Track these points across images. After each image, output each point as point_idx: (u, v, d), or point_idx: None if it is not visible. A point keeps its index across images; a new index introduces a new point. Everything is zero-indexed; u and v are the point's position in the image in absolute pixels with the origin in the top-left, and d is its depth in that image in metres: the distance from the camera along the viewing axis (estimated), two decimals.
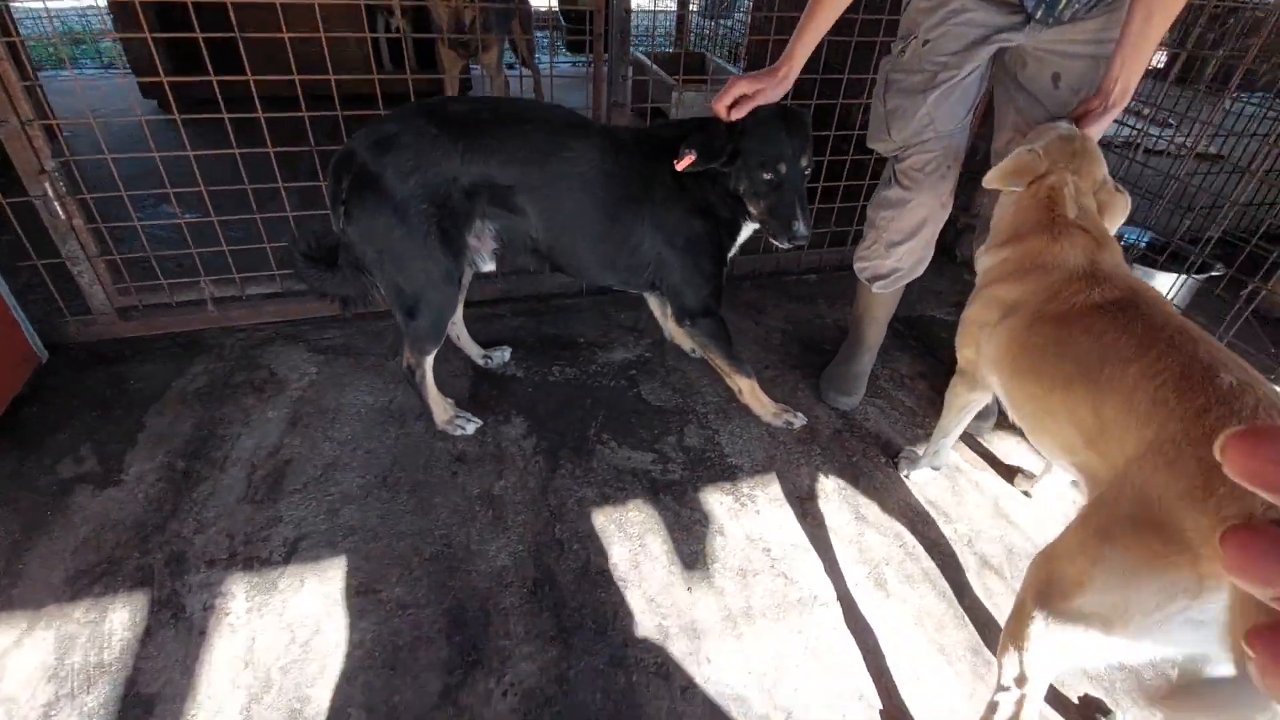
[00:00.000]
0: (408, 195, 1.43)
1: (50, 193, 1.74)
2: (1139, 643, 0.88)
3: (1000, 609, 1.45)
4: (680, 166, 1.50)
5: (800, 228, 1.53)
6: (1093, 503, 0.99)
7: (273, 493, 1.58)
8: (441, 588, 1.40)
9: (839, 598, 1.45)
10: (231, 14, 1.65)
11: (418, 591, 1.39)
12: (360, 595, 1.38)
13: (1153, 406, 0.91)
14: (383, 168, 1.42)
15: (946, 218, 1.71)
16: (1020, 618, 1.03)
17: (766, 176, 1.53)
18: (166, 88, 1.68)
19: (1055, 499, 1.72)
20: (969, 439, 1.90)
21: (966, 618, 1.43)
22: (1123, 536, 0.88)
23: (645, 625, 1.37)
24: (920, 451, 1.75)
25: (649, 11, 5.71)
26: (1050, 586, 0.98)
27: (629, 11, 2.10)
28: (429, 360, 1.68)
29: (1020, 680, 1.05)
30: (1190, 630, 0.83)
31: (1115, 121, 1.56)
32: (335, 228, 1.53)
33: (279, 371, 1.95)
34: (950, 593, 1.48)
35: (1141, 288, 1.14)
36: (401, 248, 1.47)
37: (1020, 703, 1.07)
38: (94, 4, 5.09)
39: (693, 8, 5.19)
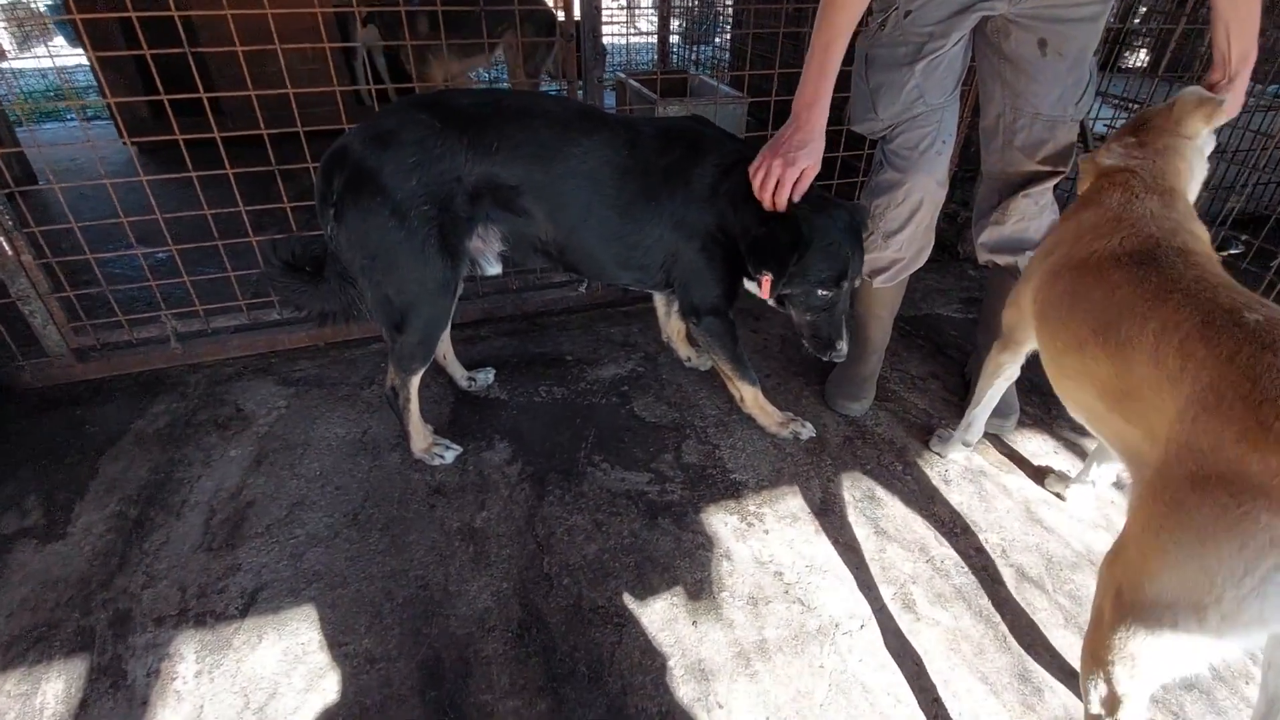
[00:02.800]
0: (408, 195, 1.32)
1: None
2: (1238, 624, 0.75)
3: (1045, 625, 1.29)
4: (765, 293, 1.47)
5: (843, 346, 1.56)
6: (1149, 478, 0.88)
7: (232, 539, 1.44)
8: (416, 636, 1.25)
9: (863, 625, 1.29)
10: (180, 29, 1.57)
11: (389, 642, 1.24)
12: (324, 650, 1.22)
13: (1182, 360, 0.86)
14: (381, 164, 1.31)
15: (943, 200, 1.59)
16: (1099, 629, 0.89)
17: (823, 293, 1.48)
18: (113, 108, 1.58)
19: (1092, 500, 1.56)
20: (992, 439, 1.75)
21: (1009, 639, 1.27)
22: (1185, 500, 0.79)
23: (646, 667, 1.21)
24: (953, 431, 1.67)
25: (637, 38, 5.73)
26: (1125, 581, 0.85)
27: (599, 35, 2.04)
28: (415, 381, 1.55)
29: (1112, 703, 0.89)
30: None
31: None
32: (325, 232, 1.41)
33: (245, 407, 1.82)
34: (988, 611, 1.32)
35: (1166, 236, 1.04)
36: (396, 253, 1.35)
37: None
38: (80, 62, 5.11)
39: (674, 38, 5.21)
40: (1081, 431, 1.73)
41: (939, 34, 1.39)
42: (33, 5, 4.84)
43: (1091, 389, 1.03)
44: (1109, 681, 0.88)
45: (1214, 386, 0.81)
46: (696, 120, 1.55)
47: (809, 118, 1.33)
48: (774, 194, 1.37)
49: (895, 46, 1.44)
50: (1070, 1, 1.35)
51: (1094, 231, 1.11)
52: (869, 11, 1.51)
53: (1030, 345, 1.34)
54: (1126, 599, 0.84)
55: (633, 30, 5.52)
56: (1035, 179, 1.57)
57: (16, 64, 5.46)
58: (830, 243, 1.42)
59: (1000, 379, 1.46)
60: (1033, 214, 1.61)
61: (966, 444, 1.64)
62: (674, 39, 5.17)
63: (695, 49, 5.15)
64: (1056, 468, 1.64)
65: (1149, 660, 0.83)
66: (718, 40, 5.35)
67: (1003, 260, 1.68)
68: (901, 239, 1.60)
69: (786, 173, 1.34)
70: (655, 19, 4.92)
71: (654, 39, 5.10)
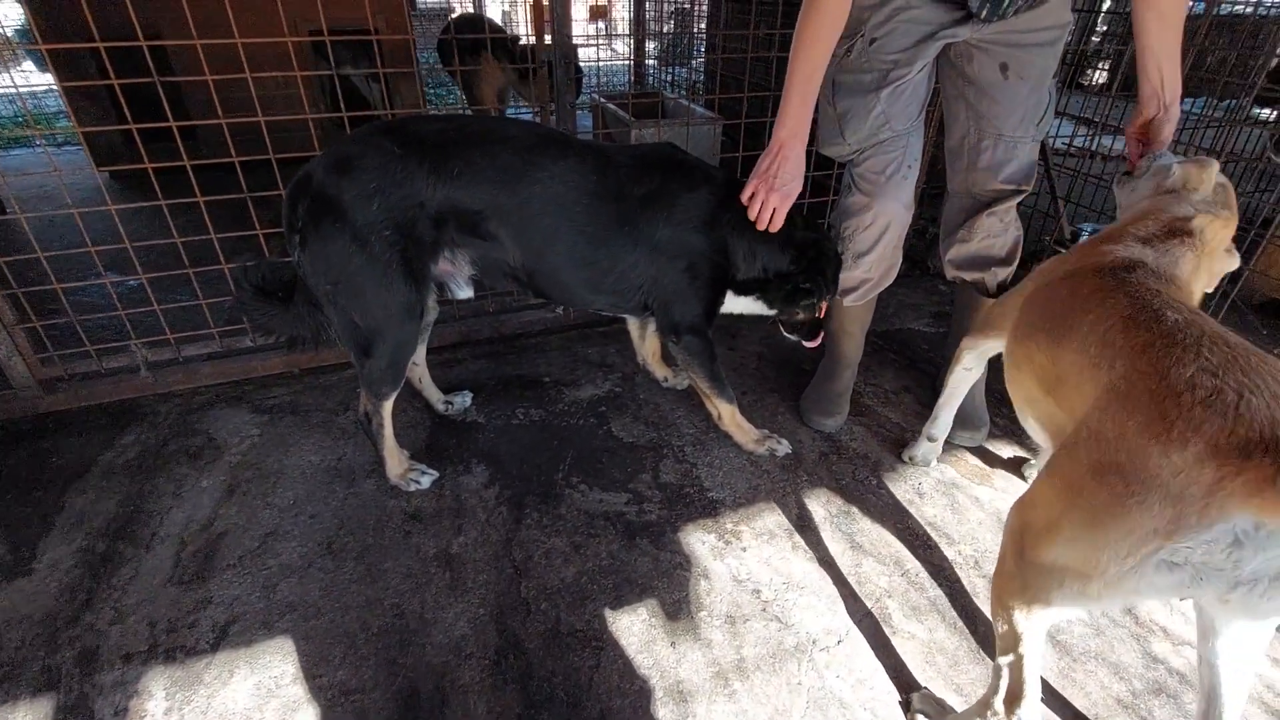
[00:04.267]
0: (369, 220, 1.32)
1: None
2: (1116, 594, 0.83)
3: None
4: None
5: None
6: (1059, 451, 0.94)
7: (203, 571, 1.42)
8: (391, 666, 1.23)
9: (840, 640, 1.30)
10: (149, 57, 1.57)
11: (364, 673, 1.22)
12: (298, 683, 1.21)
13: (1102, 348, 0.91)
14: (341, 190, 1.31)
15: (909, 221, 1.64)
16: (1002, 573, 0.98)
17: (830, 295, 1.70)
18: (81, 135, 1.57)
19: None
20: (964, 451, 1.78)
21: (983, 650, 1.29)
22: (1085, 484, 0.84)
23: (625, 691, 1.20)
24: (920, 431, 1.72)
25: (613, 60, 5.81)
26: (1027, 541, 0.93)
27: (573, 59, 2.07)
28: (387, 406, 1.54)
29: (1013, 639, 0.97)
30: (1167, 574, 0.78)
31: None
32: (292, 258, 1.41)
33: (218, 436, 1.80)
34: (961, 623, 1.34)
35: (1140, 266, 1.06)
36: (359, 278, 1.36)
37: (1017, 666, 0.98)
38: (50, 87, 5.07)
39: (650, 61, 5.30)
40: None
41: (904, 61, 1.44)
42: (1, 31, 4.80)
43: (1031, 374, 1.10)
44: (1009, 622, 0.96)
45: (1126, 376, 0.85)
46: (669, 146, 1.58)
47: (793, 147, 1.39)
48: (769, 220, 1.47)
49: (861, 73, 1.48)
50: (1030, 27, 1.41)
51: (1083, 260, 1.15)
52: None
53: (996, 341, 1.39)
54: (1027, 557, 0.93)
55: (608, 53, 5.61)
56: (1000, 198, 1.62)
57: None
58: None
59: (963, 369, 1.53)
60: (998, 231, 1.65)
61: (932, 439, 1.66)
62: (650, 62, 5.26)
63: (670, 71, 5.24)
64: (1030, 459, 1.69)
65: (1040, 609, 0.93)
66: (694, 63, 5.44)
67: (970, 276, 1.73)
68: (870, 260, 1.64)
69: (784, 204, 1.44)
70: (631, 42, 5.00)
71: (630, 62, 5.19)
